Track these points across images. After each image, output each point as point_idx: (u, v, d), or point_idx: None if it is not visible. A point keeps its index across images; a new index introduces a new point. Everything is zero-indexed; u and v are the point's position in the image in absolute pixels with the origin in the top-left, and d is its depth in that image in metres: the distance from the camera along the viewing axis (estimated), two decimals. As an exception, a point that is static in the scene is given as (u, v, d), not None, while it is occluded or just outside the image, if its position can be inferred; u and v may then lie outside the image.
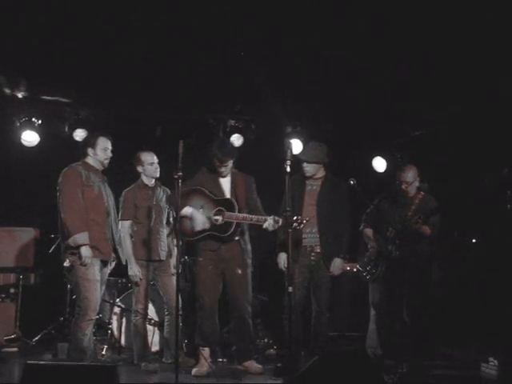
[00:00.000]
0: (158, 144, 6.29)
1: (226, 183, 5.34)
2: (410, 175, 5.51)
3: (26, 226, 6.74)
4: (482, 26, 4.88)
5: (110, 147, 5.11)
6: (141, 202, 5.51)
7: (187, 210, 5.17)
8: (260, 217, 5.08)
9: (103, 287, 5.06)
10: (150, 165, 5.57)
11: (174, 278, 5.04)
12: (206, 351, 5.22)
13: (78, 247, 4.77)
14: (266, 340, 6.32)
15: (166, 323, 5.56)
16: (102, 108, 6.82)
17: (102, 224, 4.97)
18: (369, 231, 5.66)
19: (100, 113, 6.81)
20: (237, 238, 5.24)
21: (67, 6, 4.79)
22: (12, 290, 6.47)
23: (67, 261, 4.82)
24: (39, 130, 6.68)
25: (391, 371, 4.98)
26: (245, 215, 5.13)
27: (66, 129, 6.76)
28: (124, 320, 5.98)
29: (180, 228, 5.24)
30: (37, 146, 6.70)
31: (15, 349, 6.11)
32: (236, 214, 5.11)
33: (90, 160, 5.07)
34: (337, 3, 4.76)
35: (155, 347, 5.80)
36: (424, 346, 5.42)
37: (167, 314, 5.54)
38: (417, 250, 5.33)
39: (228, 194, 5.29)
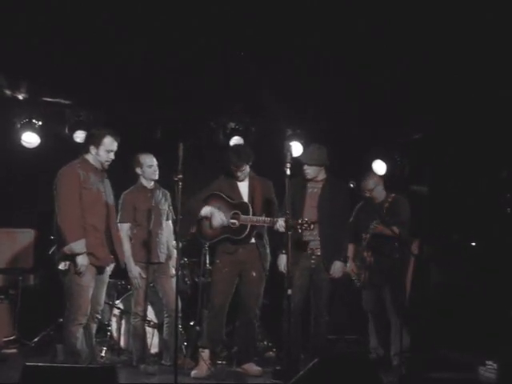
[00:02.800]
0: (157, 146, 6.28)
1: (243, 187, 5.38)
2: (371, 182, 5.74)
3: (25, 227, 6.72)
4: (482, 26, 4.89)
5: (115, 149, 4.86)
6: (140, 204, 5.49)
7: (206, 209, 5.27)
8: (271, 219, 5.13)
9: (104, 289, 4.96)
10: (149, 167, 5.55)
11: (174, 280, 5.05)
12: (205, 353, 5.23)
13: (74, 255, 4.62)
14: (265, 342, 6.30)
15: (165, 325, 5.55)
16: (102, 110, 6.82)
17: (100, 228, 4.79)
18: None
19: (100, 114, 6.80)
20: (253, 240, 5.28)
21: (67, 6, 4.80)
22: (11, 291, 6.46)
23: (62, 264, 4.69)
24: (39, 131, 6.67)
25: (390, 373, 5.00)
26: (257, 218, 5.18)
27: (67, 130, 6.75)
28: (123, 322, 5.96)
29: (199, 231, 5.37)
30: (37, 147, 6.69)
31: (14, 350, 6.08)
32: (250, 216, 5.16)
33: (90, 158, 4.85)
34: (337, 3, 4.78)
35: (154, 349, 5.78)
36: (423, 348, 5.44)
37: (166, 316, 5.53)
38: (390, 251, 5.46)
39: (246, 198, 5.33)
